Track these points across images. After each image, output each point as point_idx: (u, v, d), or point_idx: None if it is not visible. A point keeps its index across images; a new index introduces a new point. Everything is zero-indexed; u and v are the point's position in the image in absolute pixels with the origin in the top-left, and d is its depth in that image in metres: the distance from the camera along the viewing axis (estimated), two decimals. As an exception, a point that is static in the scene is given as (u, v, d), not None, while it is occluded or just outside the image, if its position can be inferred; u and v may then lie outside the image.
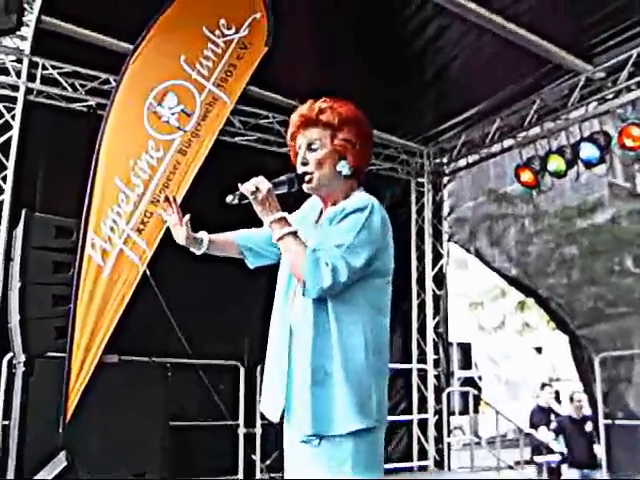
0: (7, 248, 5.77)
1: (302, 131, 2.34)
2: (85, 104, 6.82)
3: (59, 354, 4.99)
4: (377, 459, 2.18)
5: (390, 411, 7.57)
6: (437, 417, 8.87)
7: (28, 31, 6.10)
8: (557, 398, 10.64)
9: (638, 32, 6.40)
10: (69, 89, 6.75)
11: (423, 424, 8.83)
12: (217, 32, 5.61)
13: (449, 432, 9.03)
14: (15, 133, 6.19)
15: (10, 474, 4.70)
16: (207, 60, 5.61)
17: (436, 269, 9.33)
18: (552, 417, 9.05)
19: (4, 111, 6.23)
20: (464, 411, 13.04)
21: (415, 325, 9.13)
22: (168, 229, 2.63)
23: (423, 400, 8.89)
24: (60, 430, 4.83)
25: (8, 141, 6.17)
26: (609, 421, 7.77)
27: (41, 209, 5.83)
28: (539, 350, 23.13)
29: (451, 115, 8.39)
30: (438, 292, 9.28)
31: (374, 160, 8.74)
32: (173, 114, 5.54)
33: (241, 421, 6.99)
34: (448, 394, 9.08)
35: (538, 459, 8.79)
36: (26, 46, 6.30)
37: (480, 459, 9.34)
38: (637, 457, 7.68)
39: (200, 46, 5.60)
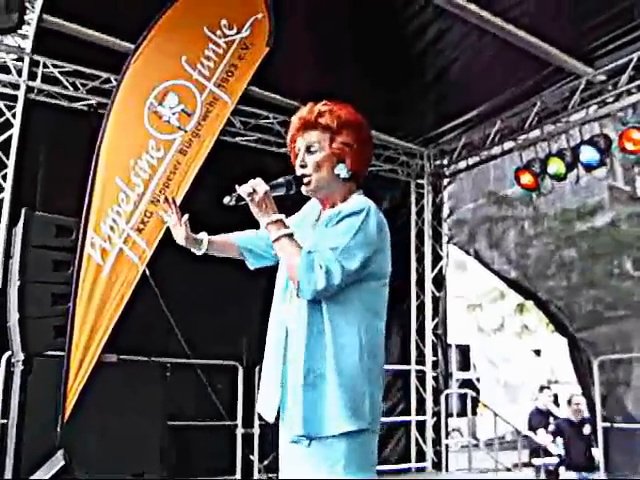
0: (7, 246, 5.78)
1: (301, 134, 2.35)
2: (86, 103, 6.82)
3: (58, 353, 4.99)
4: (369, 461, 2.18)
5: (388, 412, 7.56)
6: (435, 419, 8.87)
7: (29, 30, 6.10)
8: (556, 401, 10.64)
9: (639, 35, 6.40)
10: (70, 88, 6.75)
11: (421, 426, 8.83)
12: (218, 32, 5.61)
13: (447, 434, 9.04)
14: (16, 131, 6.19)
15: (8, 473, 4.70)
16: (208, 60, 5.61)
17: (435, 271, 9.33)
18: (551, 420, 9.06)
19: (5, 109, 6.23)
20: (462, 413, 13.01)
21: (414, 326, 9.13)
22: (168, 229, 2.67)
23: (421, 402, 8.89)
24: (58, 429, 4.82)
25: (9, 139, 6.17)
26: (607, 424, 7.76)
27: (41, 208, 5.83)
28: (538, 353, 23.15)
29: (451, 117, 8.40)
30: (437, 294, 9.28)
31: (374, 161, 8.74)
32: (174, 114, 5.54)
33: (239, 421, 6.99)
34: (446, 396, 9.08)
35: (536, 461, 8.80)
36: (27, 45, 6.30)
37: (478, 461, 9.35)
38: (635, 460, 7.69)
39: (201, 46, 5.60)
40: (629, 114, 6.91)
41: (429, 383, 8.96)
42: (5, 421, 5.24)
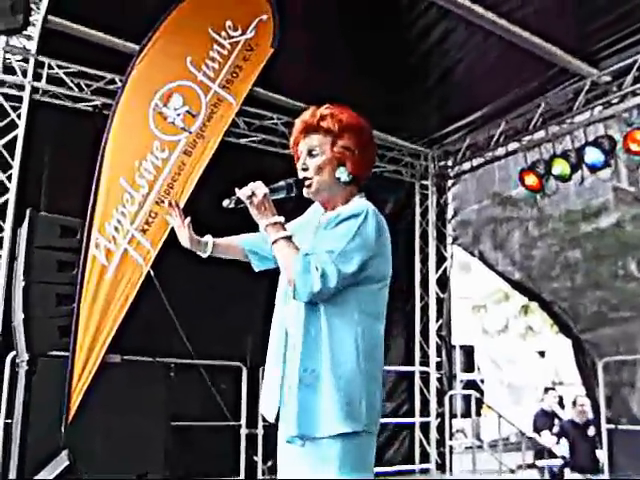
0: (12, 247, 5.80)
1: (304, 137, 2.38)
2: (91, 104, 6.83)
3: (62, 353, 5.00)
4: (365, 464, 2.19)
5: (392, 414, 7.55)
6: (439, 420, 8.86)
7: (34, 31, 6.11)
8: (561, 403, 10.62)
9: (644, 37, 6.40)
10: (75, 89, 6.77)
11: (425, 427, 8.83)
12: (223, 33, 5.62)
13: (451, 435, 9.02)
14: (21, 132, 6.19)
15: (12, 473, 4.71)
16: (213, 61, 5.62)
17: (440, 272, 9.32)
18: (556, 421, 9.06)
19: (10, 110, 6.24)
20: (466, 414, 12.98)
21: (418, 328, 9.12)
22: (172, 230, 2.70)
23: (425, 403, 8.89)
24: (62, 429, 4.83)
25: (14, 140, 6.17)
26: (612, 426, 7.75)
27: (46, 208, 5.85)
28: (542, 354, 23.09)
29: (456, 118, 8.39)
30: (441, 295, 9.28)
31: (378, 162, 8.74)
32: (178, 115, 5.55)
33: (243, 422, 6.99)
34: (450, 397, 9.07)
35: (540, 463, 8.79)
36: (32, 46, 6.30)
37: (482, 462, 9.34)
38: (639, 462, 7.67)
39: (206, 47, 5.60)
40: (634, 115, 6.89)
41: (433, 384, 8.95)
42: (10, 421, 5.26)
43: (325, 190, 2.37)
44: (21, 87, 6.35)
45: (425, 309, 9.21)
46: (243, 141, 7.78)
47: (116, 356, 5.26)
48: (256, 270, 2.71)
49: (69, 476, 4.36)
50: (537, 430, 9.09)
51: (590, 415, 8.56)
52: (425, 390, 8.93)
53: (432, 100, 7.84)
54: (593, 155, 7.02)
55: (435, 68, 7.23)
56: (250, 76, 5.72)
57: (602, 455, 7.93)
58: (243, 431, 6.99)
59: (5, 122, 6.20)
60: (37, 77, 6.47)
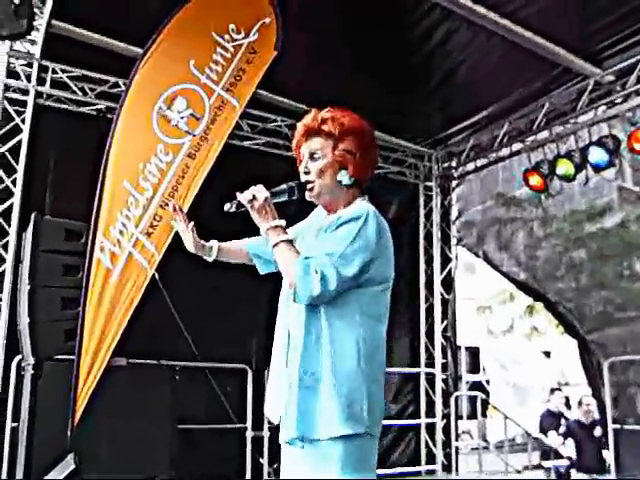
0: (17, 251, 5.81)
1: (305, 140, 2.39)
2: (94, 108, 6.85)
3: (68, 357, 5.01)
4: (367, 466, 2.18)
5: (398, 415, 7.54)
6: (445, 421, 8.85)
7: (38, 35, 6.12)
8: (567, 403, 10.61)
9: (647, 36, 6.39)
10: (79, 93, 6.78)
11: (431, 428, 8.81)
12: (226, 37, 5.62)
13: (457, 436, 9.01)
14: (25, 136, 6.21)
15: (19, 477, 4.72)
16: (216, 64, 5.62)
17: (444, 273, 9.31)
18: (562, 422, 9.04)
19: (14, 114, 6.26)
20: (472, 415, 12.99)
21: (423, 329, 9.11)
22: (177, 233, 2.73)
23: (431, 404, 8.88)
24: (68, 433, 4.84)
25: (18, 144, 6.19)
26: (618, 426, 7.73)
27: (51, 212, 5.87)
28: (548, 354, 23.06)
29: (459, 119, 8.39)
30: (446, 296, 9.26)
31: (382, 164, 8.74)
32: (182, 118, 5.56)
33: (249, 424, 6.99)
34: (456, 398, 9.06)
35: (546, 464, 8.77)
36: (36, 50, 6.32)
37: (488, 463, 9.33)
38: (646, 462, 7.66)
39: (209, 50, 5.61)
40: (638, 114, 6.88)
41: (439, 385, 8.94)
42: (16, 425, 5.27)
43: (327, 193, 2.38)
44: (25, 91, 6.37)
45: (430, 310, 9.20)
46: (247, 143, 7.79)
47: (121, 359, 5.27)
48: (261, 273, 2.73)
49: (75, 479, 4.37)
50: (543, 431, 9.07)
51: (596, 415, 8.54)
52: (431, 391, 8.92)
53: (435, 101, 7.84)
54: (597, 155, 7.01)
55: (438, 69, 7.24)
56: (253, 79, 5.72)
57: (608, 455, 7.92)
58: (249, 433, 6.99)
59: (9, 126, 6.22)
60: (41, 81, 6.49)
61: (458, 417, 9.23)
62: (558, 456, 8.58)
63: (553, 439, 8.76)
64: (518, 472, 9.22)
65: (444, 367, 9.08)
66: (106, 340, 5.16)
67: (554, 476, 8.54)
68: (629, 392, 8.18)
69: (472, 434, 15.23)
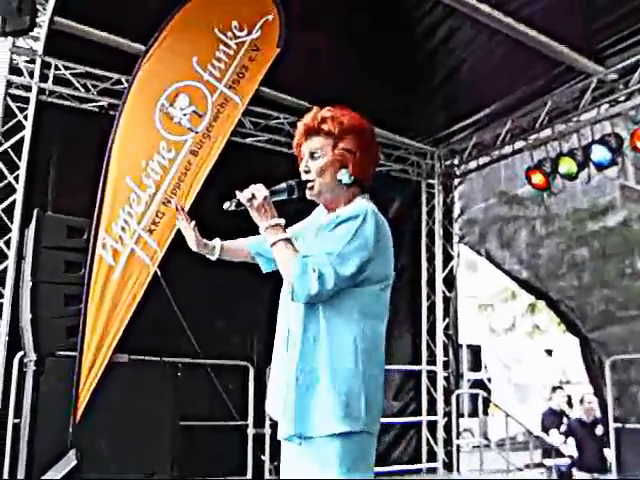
0: (19, 247, 5.82)
1: (305, 139, 2.40)
2: (97, 104, 6.86)
3: (70, 353, 5.01)
4: (364, 464, 2.19)
5: (399, 413, 7.54)
6: (446, 419, 8.86)
7: (41, 32, 6.12)
8: (569, 402, 10.61)
9: (650, 34, 6.38)
10: (81, 89, 6.79)
11: (432, 426, 8.82)
12: (229, 34, 5.62)
13: (458, 434, 9.02)
14: (27, 133, 6.21)
15: (20, 473, 4.73)
16: (219, 62, 5.62)
17: (446, 271, 9.31)
18: (564, 420, 9.04)
19: (17, 111, 6.26)
20: (473, 413, 13.03)
21: (425, 327, 9.11)
22: (179, 230, 2.75)
23: (432, 402, 8.88)
24: (70, 429, 4.84)
25: (20, 141, 6.19)
26: (619, 425, 7.73)
27: (53, 209, 5.88)
28: (549, 353, 23.08)
29: (462, 117, 8.38)
30: (448, 294, 9.27)
31: (385, 161, 8.74)
32: (185, 115, 5.55)
33: (250, 421, 7.00)
34: (457, 396, 9.07)
35: (548, 462, 8.77)
36: (39, 47, 6.31)
37: (489, 462, 9.33)
38: (647, 461, 7.66)
39: (212, 47, 5.60)
40: (640, 113, 6.89)
41: (440, 383, 8.94)
42: (18, 421, 5.28)
43: (327, 192, 2.38)
44: (28, 88, 6.37)
45: (432, 308, 9.20)
46: (249, 140, 7.79)
47: (123, 356, 5.27)
48: (264, 272, 2.73)
49: (76, 475, 4.37)
50: (545, 429, 9.07)
51: (597, 413, 8.54)
52: (432, 389, 8.92)
53: (438, 99, 7.84)
54: (600, 153, 7.01)
55: (441, 67, 7.23)
56: (256, 76, 5.72)
57: (610, 454, 7.92)
58: (250, 430, 7.00)
59: (12, 123, 6.22)
60: (44, 78, 6.48)
61: (459, 415, 9.25)
62: (559, 454, 8.59)
63: (555, 438, 8.76)
64: (519, 470, 9.21)
65: (446, 365, 9.08)
66: (108, 336, 5.16)
67: (555, 475, 8.55)
68: (631, 391, 8.18)
69: (473, 432, 15.24)
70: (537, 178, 7.72)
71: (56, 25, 6.13)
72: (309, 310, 2.21)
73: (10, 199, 6.10)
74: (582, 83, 7.20)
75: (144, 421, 5.07)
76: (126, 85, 6.12)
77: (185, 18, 5.57)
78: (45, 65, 6.48)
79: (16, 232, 5.98)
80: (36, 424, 4.76)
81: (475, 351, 18.00)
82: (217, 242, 2.72)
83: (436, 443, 8.75)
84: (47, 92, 6.59)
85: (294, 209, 2.52)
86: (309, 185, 2.36)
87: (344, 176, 2.34)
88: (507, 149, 8.39)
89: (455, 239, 9.48)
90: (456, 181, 9.49)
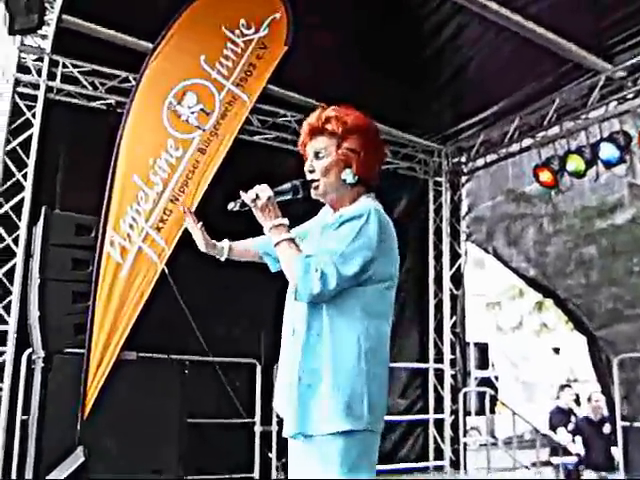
0: (27, 245, 5.84)
1: (310, 139, 2.42)
2: (105, 102, 6.87)
3: (78, 350, 5.03)
4: (367, 462, 2.19)
5: (406, 411, 7.52)
6: (453, 417, 8.85)
7: (49, 30, 6.13)
8: (577, 400, 10.58)
9: (659, 31, 6.35)
10: (89, 87, 6.80)
11: (439, 424, 8.82)
12: (237, 32, 5.62)
13: (465, 432, 9.01)
14: (35, 131, 6.23)
15: (28, 469, 4.75)
16: (227, 59, 5.62)
17: (454, 269, 9.30)
18: (572, 419, 9.02)
19: (25, 109, 6.28)
20: (480, 411, 12.98)
21: (432, 325, 9.11)
22: (187, 228, 2.77)
23: (439, 400, 8.88)
24: (78, 426, 4.86)
25: (29, 139, 6.22)
26: (627, 423, 7.71)
27: (61, 206, 5.89)
28: (557, 351, 23.03)
29: (469, 114, 8.37)
30: (455, 292, 9.26)
31: (392, 159, 8.74)
32: (193, 113, 5.56)
33: (257, 419, 7.01)
34: (465, 394, 9.06)
35: (555, 460, 8.76)
36: (47, 45, 6.33)
37: (496, 460, 9.31)
38: (655, 460, 7.64)
39: (220, 46, 5.61)
40: (649, 111, 6.86)
41: (447, 381, 8.94)
42: (26, 418, 5.30)
43: (332, 191, 2.39)
44: (36, 86, 6.39)
45: (439, 306, 9.19)
46: (256, 138, 7.79)
47: (131, 353, 5.28)
48: (273, 271, 2.73)
49: (84, 473, 4.39)
50: (553, 427, 9.05)
51: (605, 412, 8.52)
52: (439, 387, 8.92)
53: (445, 96, 7.82)
54: (608, 151, 6.98)
55: (448, 64, 7.22)
56: (264, 74, 5.72)
57: (617, 453, 7.90)
58: (257, 428, 7.01)
59: (20, 121, 6.25)
60: (52, 76, 6.50)
61: (466, 413, 9.24)
62: (567, 453, 8.57)
63: (562, 436, 8.75)
64: (526, 469, 9.19)
65: (453, 363, 9.07)
66: (116, 334, 5.18)
67: (562, 473, 8.53)
68: (638, 389, 8.15)
69: (480, 430, 15.20)
70: (545, 176, 7.70)
71: (64, 23, 6.14)
72: (313, 309, 2.22)
73: (18, 197, 6.12)
74: (590, 80, 7.17)
75: (152, 418, 5.08)
76: (134, 83, 6.12)
77: (193, 16, 5.58)
78: (53, 63, 6.51)
79: (24, 230, 6.01)
80: (44, 421, 4.78)
81: (482, 349, 17.97)
82: (225, 243, 2.74)
83: (443, 441, 8.75)
84: (55, 90, 6.61)
85: (302, 209, 2.53)
86: (314, 185, 2.37)
87: (348, 176, 2.35)
88: (515, 147, 8.37)
89: (462, 237, 9.47)
90: (463, 179, 9.48)
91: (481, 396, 12.59)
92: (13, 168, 6.15)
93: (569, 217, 8.79)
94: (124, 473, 4.76)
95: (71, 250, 5.17)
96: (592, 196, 8.43)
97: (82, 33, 6.31)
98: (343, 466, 2.11)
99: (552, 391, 16.13)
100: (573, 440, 8.57)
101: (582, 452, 8.41)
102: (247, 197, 2.25)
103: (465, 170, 9.36)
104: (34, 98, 6.33)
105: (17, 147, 6.18)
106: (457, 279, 9.31)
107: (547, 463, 9.12)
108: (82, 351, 5.02)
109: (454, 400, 8.90)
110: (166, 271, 5.55)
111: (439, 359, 9.02)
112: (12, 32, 5.30)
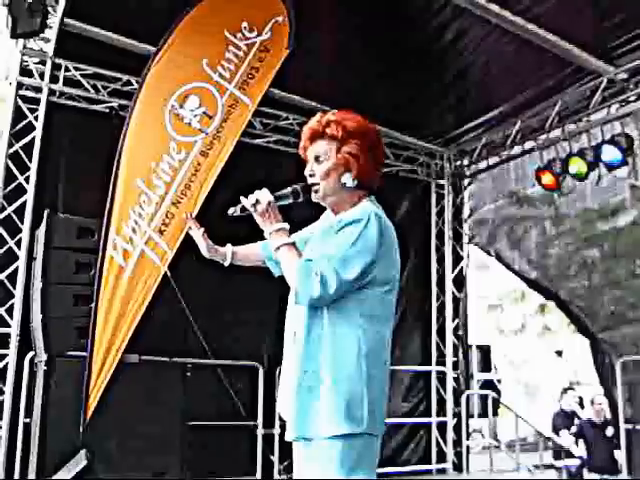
0: (30, 248, 5.84)
1: (310, 143, 2.43)
2: (107, 105, 6.87)
3: (80, 353, 5.04)
4: (366, 465, 2.19)
5: (409, 413, 7.52)
6: (456, 420, 8.83)
7: (51, 33, 6.15)
8: (581, 403, 10.57)
9: (661, 34, 6.35)
10: (91, 90, 6.80)
11: (442, 427, 8.80)
12: (239, 35, 5.63)
13: (468, 435, 9.00)
14: (38, 134, 6.25)
15: (32, 472, 4.76)
16: (229, 63, 5.63)
17: (456, 271, 9.28)
18: (575, 421, 9.01)
19: (27, 112, 6.29)
20: (483, 414, 12.94)
21: (434, 327, 9.09)
22: (189, 232, 2.75)
23: (442, 403, 8.86)
24: (80, 429, 4.86)
25: (31, 142, 6.23)
26: (630, 426, 7.70)
27: (63, 210, 5.90)
28: (559, 354, 22.98)
29: (472, 117, 8.36)
30: (458, 294, 9.24)
31: (394, 162, 8.73)
32: (195, 116, 5.57)
33: (260, 422, 7.00)
34: (467, 397, 9.05)
35: (558, 463, 8.75)
36: (49, 48, 6.35)
37: (499, 463, 9.31)
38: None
39: (222, 49, 5.62)
40: (651, 113, 6.86)
41: (450, 384, 8.92)
42: (28, 420, 5.31)
43: (332, 195, 2.40)
44: (38, 89, 6.41)
45: (441, 309, 9.18)
46: (258, 141, 7.79)
47: (133, 356, 5.29)
48: (276, 276, 2.73)
49: (87, 475, 4.39)
50: (556, 430, 9.04)
51: (608, 414, 8.51)
52: (442, 390, 8.90)
53: (448, 99, 7.82)
54: (610, 153, 6.97)
55: (451, 67, 7.22)
56: (266, 77, 5.73)
57: (620, 455, 7.88)
58: (260, 431, 7.00)
59: (23, 124, 6.26)
60: (54, 79, 6.51)
61: (469, 416, 9.22)
62: (570, 456, 8.56)
63: (565, 439, 8.74)
64: (529, 471, 9.19)
65: (455, 365, 9.05)
66: (118, 337, 5.18)
67: (565, 476, 8.52)
68: (641, 392, 8.15)
69: (483, 433, 15.17)
70: (547, 178, 7.69)
71: (66, 27, 6.16)
72: (313, 313, 2.22)
73: (21, 200, 6.13)
74: (592, 83, 7.16)
75: (154, 421, 5.08)
76: (136, 86, 6.14)
77: (195, 19, 5.59)
78: (55, 66, 6.51)
79: (27, 233, 6.01)
80: (47, 424, 4.78)
81: (485, 352, 17.90)
82: (228, 248, 2.75)
83: (446, 444, 8.73)
84: (57, 93, 6.61)
85: (304, 214, 2.53)
86: (314, 188, 2.38)
87: (348, 179, 2.36)
88: (517, 149, 8.36)
89: (465, 239, 9.45)
90: (466, 181, 9.47)
91: (484, 399, 12.54)
92: (15, 171, 6.16)
93: (571, 219, 8.80)
94: (126, 476, 4.77)
95: (74, 253, 5.18)
96: (594, 198, 8.45)
97: (84, 36, 6.32)
98: (343, 469, 2.11)
99: (555, 394, 16.11)
100: (576, 443, 8.56)
101: (585, 455, 8.39)
102: (247, 202, 2.26)
103: (467, 173, 9.35)
104: (36, 101, 6.35)
105: (19, 150, 6.19)
106: (459, 282, 9.29)
107: (550, 466, 9.13)
108: (84, 354, 5.03)
109: (457, 403, 8.88)
110: (168, 274, 5.55)
111: (441, 362, 9.00)
112: (14, 35, 5.30)
